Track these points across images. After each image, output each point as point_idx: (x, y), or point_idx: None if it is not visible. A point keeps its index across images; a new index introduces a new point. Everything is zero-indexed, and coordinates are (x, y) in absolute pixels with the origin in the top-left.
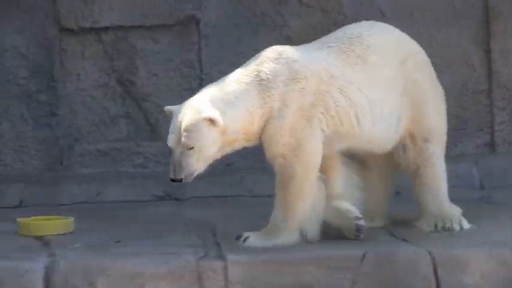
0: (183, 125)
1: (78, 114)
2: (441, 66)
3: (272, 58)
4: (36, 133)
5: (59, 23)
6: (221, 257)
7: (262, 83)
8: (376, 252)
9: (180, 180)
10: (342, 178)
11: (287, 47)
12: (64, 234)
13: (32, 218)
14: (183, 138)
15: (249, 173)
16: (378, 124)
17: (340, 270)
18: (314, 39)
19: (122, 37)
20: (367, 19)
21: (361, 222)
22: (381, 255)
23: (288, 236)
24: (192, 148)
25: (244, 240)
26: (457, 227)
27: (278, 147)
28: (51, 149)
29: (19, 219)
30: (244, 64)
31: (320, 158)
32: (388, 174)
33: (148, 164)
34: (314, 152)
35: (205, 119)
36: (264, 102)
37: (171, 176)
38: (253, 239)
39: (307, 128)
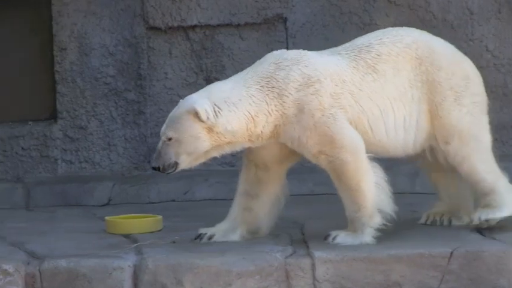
0: (173, 114)
1: (165, 113)
2: None
3: (283, 65)
4: (124, 131)
5: (147, 22)
6: (309, 255)
7: (273, 90)
8: (464, 250)
9: (159, 169)
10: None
11: (297, 51)
12: (152, 232)
13: (121, 216)
14: (166, 129)
15: None
16: (392, 133)
17: (428, 268)
18: None
19: (209, 35)
20: (455, 17)
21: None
22: (468, 253)
23: (371, 223)
24: (171, 139)
25: (334, 239)
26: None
27: (312, 148)
28: (139, 147)
29: (107, 218)
30: (256, 65)
31: (363, 144)
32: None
33: (236, 162)
34: (352, 138)
35: (189, 111)
36: (275, 108)
37: (151, 163)
38: (343, 236)
39: (335, 124)
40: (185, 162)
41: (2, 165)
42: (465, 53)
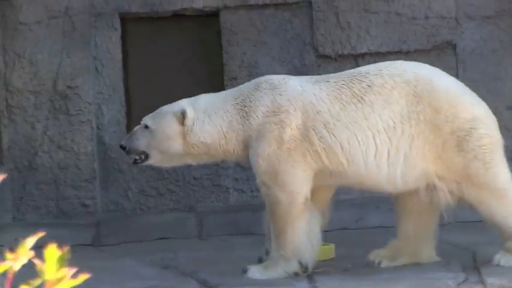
0: (159, 108)
1: None
2: None
3: (261, 88)
4: None
5: (317, 50)
6: (481, 282)
7: (244, 109)
8: None
9: (124, 149)
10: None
11: (281, 77)
12: (324, 260)
13: None
14: (146, 117)
15: None
16: (373, 166)
17: None
18: None
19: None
20: None
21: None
22: None
23: (285, 266)
24: (148, 128)
25: (245, 272)
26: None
27: (259, 175)
28: None
29: None
30: (245, 84)
31: (306, 187)
32: None
33: None
34: (296, 181)
35: (175, 112)
36: (242, 128)
37: (121, 141)
38: (253, 270)
39: (287, 159)
40: (156, 159)
41: (174, 194)
42: None
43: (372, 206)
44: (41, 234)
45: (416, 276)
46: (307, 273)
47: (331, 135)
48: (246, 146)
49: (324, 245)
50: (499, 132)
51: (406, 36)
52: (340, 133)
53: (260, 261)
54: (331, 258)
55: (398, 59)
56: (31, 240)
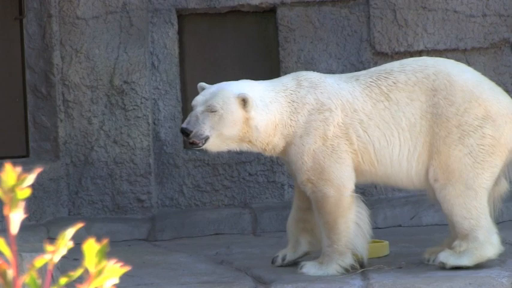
0: (219, 91)
1: None
2: None
3: (304, 85)
4: None
5: (374, 47)
6: None
7: (293, 104)
8: None
9: (189, 134)
10: None
11: (317, 75)
12: (379, 257)
13: None
14: (210, 100)
15: None
16: (396, 165)
17: None
18: None
19: None
20: None
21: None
22: None
23: (340, 260)
24: (215, 112)
25: (301, 268)
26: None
27: (303, 174)
28: None
29: None
30: (283, 78)
31: (352, 180)
32: None
33: None
34: (342, 175)
35: (239, 96)
36: (290, 123)
37: (183, 125)
38: (308, 266)
39: (331, 155)
40: (214, 143)
41: (229, 190)
42: None
43: (426, 204)
44: (80, 226)
45: (470, 274)
46: (363, 266)
47: (366, 134)
48: (288, 142)
49: (379, 242)
50: (508, 136)
51: (464, 34)
52: (373, 132)
53: (274, 262)
54: (386, 255)
55: (455, 57)
56: (70, 231)
